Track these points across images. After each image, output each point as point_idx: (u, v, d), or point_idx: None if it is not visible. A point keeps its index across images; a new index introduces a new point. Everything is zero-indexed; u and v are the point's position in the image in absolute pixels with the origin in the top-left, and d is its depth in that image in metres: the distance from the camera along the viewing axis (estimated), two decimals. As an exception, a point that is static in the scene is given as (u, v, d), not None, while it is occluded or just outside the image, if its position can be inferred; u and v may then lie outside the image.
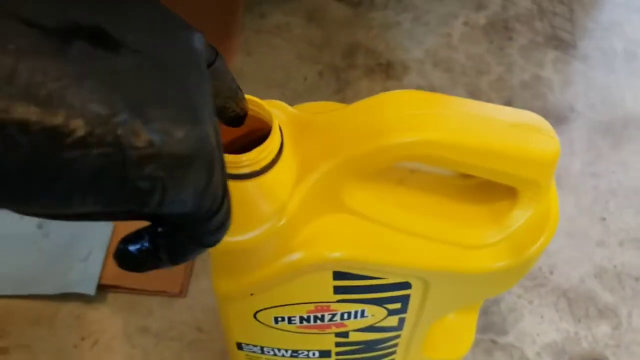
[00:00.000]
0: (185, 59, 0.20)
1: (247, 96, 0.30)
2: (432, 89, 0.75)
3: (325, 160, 0.32)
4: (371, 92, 0.77)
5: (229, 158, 0.30)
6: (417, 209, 0.35)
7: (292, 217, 0.32)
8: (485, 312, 0.59)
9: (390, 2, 0.83)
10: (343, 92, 0.75)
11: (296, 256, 0.33)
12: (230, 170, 0.30)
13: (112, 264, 0.61)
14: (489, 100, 0.74)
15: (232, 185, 0.30)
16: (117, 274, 0.60)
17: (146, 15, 0.21)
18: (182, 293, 0.60)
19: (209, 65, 0.24)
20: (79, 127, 0.16)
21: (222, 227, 0.22)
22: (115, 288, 0.60)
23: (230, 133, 0.32)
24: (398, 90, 0.33)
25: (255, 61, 0.76)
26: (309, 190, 0.32)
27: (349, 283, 0.35)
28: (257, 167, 0.30)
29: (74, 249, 0.61)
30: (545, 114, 0.74)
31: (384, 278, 0.36)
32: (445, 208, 0.35)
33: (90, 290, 0.59)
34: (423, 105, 0.32)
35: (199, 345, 0.58)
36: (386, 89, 0.77)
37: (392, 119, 0.31)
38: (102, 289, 0.60)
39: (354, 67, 0.77)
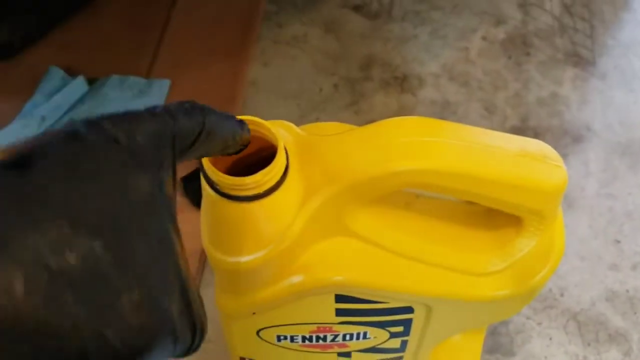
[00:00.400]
0: (145, 226, 0.19)
1: (254, 118, 0.30)
2: (447, 103, 0.75)
3: (330, 184, 0.32)
4: (386, 105, 0.77)
5: (233, 180, 0.30)
6: (421, 234, 0.35)
7: (295, 239, 0.32)
8: (492, 332, 0.58)
9: (408, 14, 0.83)
10: (357, 105, 0.75)
11: (298, 278, 0.33)
12: (235, 192, 0.30)
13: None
14: (504, 116, 0.74)
15: (236, 207, 0.31)
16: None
17: (106, 172, 0.19)
18: (190, 302, 0.60)
19: (199, 132, 0.22)
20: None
21: (194, 351, 0.22)
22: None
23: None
24: (405, 117, 0.33)
25: (271, 72, 0.76)
26: (313, 213, 0.32)
27: (351, 306, 0.35)
28: (260, 190, 0.30)
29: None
30: (561, 132, 0.73)
31: (386, 302, 0.35)
32: (449, 233, 0.35)
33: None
34: (429, 133, 0.32)
35: (207, 356, 0.58)
36: (401, 103, 0.77)
37: (397, 145, 0.31)
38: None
39: (369, 79, 0.77)
